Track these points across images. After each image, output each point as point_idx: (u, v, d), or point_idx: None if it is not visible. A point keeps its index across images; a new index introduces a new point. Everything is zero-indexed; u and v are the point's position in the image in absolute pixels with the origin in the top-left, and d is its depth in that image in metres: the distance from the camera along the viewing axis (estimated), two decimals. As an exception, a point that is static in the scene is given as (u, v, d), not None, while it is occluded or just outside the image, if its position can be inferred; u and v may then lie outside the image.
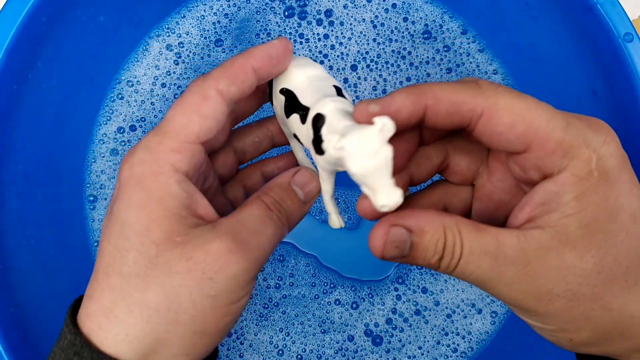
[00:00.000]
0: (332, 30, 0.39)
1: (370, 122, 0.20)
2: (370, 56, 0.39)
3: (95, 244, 0.39)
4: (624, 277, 0.21)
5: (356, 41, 0.39)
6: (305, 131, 0.24)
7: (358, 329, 0.39)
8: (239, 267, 0.22)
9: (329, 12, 0.39)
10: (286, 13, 0.39)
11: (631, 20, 0.31)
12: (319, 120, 0.22)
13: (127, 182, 0.22)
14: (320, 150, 0.22)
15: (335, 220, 0.26)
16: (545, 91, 0.38)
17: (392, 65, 0.39)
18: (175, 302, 0.22)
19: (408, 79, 0.39)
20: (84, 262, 0.38)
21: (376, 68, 0.39)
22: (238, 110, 0.28)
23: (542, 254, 0.20)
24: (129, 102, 0.39)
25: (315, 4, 0.39)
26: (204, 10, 0.39)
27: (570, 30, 0.34)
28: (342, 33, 0.39)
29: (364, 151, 0.20)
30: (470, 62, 0.39)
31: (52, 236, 0.36)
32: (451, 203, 0.26)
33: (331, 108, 0.22)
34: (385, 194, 0.20)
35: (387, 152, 0.20)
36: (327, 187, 0.25)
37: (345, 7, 0.39)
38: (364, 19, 0.39)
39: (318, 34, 0.39)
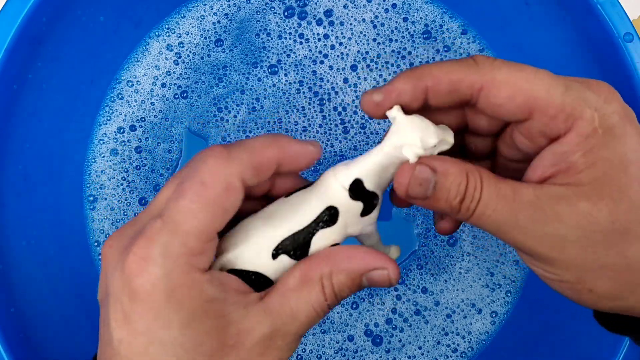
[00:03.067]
0: (332, 30, 0.39)
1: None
2: (370, 56, 0.39)
3: (96, 243, 0.39)
4: (638, 226, 0.21)
5: (356, 41, 0.39)
6: (353, 213, 0.23)
7: (358, 329, 0.39)
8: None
9: (329, 12, 0.39)
10: (286, 13, 0.39)
11: (631, 20, 0.31)
12: (359, 184, 0.22)
13: (150, 297, 0.20)
14: (373, 207, 0.23)
15: (395, 252, 0.26)
16: (545, 91, 0.38)
17: (392, 65, 0.39)
18: None
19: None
20: (83, 262, 0.38)
21: (376, 68, 0.39)
22: None
23: (556, 201, 0.21)
24: (129, 102, 0.39)
25: (315, 4, 0.39)
26: (204, 10, 0.39)
27: (570, 30, 0.34)
28: (342, 33, 0.39)
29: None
30: (470, 62, 0.39)
31: (52, 236, 0.36)
32: None
33: (342, 171, 0.22)
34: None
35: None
36: (378, 236, 0.25)
37: (345, 7, 0.39)
38: (364, 19, 0.39)
39: (318, 34, 0.39)
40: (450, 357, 0.39)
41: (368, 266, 0.23)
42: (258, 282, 0.22)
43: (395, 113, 0.22)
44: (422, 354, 0.39)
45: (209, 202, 0.20)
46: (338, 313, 0.38)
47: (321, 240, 0.22)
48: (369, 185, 0.22)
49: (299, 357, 0.38)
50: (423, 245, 0.39)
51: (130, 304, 0.20)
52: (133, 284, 0.20)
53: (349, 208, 0.22)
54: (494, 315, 0.39)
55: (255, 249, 0.22)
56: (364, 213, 0.23)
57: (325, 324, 0.38)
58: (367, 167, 0.22)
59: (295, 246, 0.22)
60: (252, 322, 0.21)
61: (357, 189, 0.22)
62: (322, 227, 0.22)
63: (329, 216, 0.22)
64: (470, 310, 0.39)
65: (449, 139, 0.23)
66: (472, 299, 0.39)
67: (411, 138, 0.21)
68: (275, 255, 0.22)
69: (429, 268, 0.39)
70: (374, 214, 0.23)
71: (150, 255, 0.20)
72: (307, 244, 0.22)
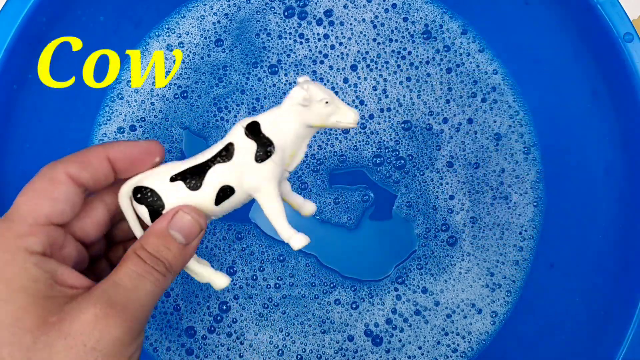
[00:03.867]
0: (332, 30, 0.39)
1: None
2: (370, 56, 0.39)
3: (95, 244, 0.39)
4: None
5: (356, 41, 0.39)
6: (248, 151, 0.24)
7: (358, 329, 0.39)
8: (120, 330, 0.22)
9: (329, 12, 0.39)
10: (286, 13, 0.39)
11: (631, 20, 0.31)
12: (256, 124, 0.24)
13: None
14: (268, 154, 0.24)
15: (303, 240, 0.25)
16: (545, 91, 0.38)
17: (392, 65, 0.39)
18: None
19: (408, 79, 0.39)
20: (84, 262, 0.38)
21: (376, 68, 0.39)
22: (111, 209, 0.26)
23: None
24: (129, 102, 0.39)
25: (315, 4, 0.39)
26: (204, 10, 0.39)
27: (570, 30, 0.34)
28: (342, 33, 0.39)
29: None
30: (470, 62, 0.39)
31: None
32: None
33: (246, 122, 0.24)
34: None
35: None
36: (280, 204, 0.25)
37: (345, 7, 0.39)
38: (364, 19, 0.39)
39: (318, 33, 0.39)
40: (450, 357, 0.39)
41: (165, 219, 0.24)
42: (152, 199, 0.24)
43: (302, 79, 0.24)
44: (422, 354, 0.39)
45: (34, 194, 0.23)
46: (338, 313, 0.39)
47: (216, 175, 0.24)
48: (265, 130, 0.24)
49: (299, 357, 0.38)
50: (423, 245, 0.39)
51: None
52: None
53: (244, 145, 0.24)
54: (494, 315, 0.39)
55: (161, 175, 0.25)
56: (258, 158, 0.24)
57: (325, 324, 0.38)
58: (266, 115, 0.24)
59: (192, 175, 0.24)
60: (77, 304, 0.22)
61: (252, 128, 0.24)
62: (219, 162, 0.24)
63: (226, 151, 0.24)
64: (470, 311, 0.39)
65: (349, 119, 0.24)
66: (472, 299, 0.39)
67: (299, 89, 0.24)
68: (173, 179, 0.24)
69: (429, 268, 0.39)
70: (269, 165, 0.24)
71: None
72: (202, 174, 0.24)
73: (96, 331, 0.21)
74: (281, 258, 0.39)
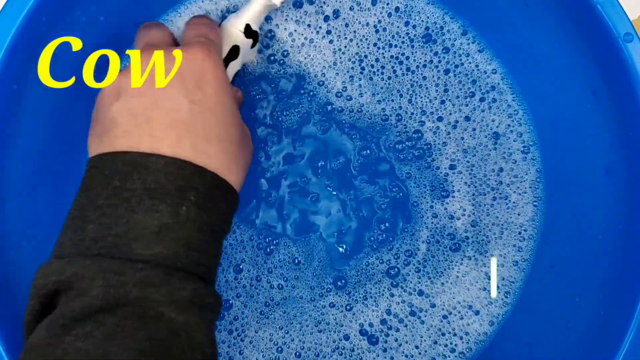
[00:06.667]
0: (333, 29, 0.39)
1: None
2: (368, 60, 0.39)
3: (96, 243, 0.39)
4: None
5: (357, 44, 0.39)
6: (247, 46, 0.35)
7: (353, 330, 0.39)
8: None
9: (334, 12, 0.39)
10: (285, 13, 0.39)
11: (631, 20, 0.31)
12: (249, 27, 0.35)
13: (217, 74, 0.30)
14: (257, 41, 0.36)
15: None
16: (545, 91, 0.38)
17: (389, 69, 0.39)
18: None
19: (404, 75, 0.39)
20: (84, 262, 0.38)
21: (373, 73, 0.39)
22: None
23: None
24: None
25: (317, 3, 0.39)
26: (204, 10, 0.39)
27: (570, 30, 0.34)
28: (344, 34, 0.39)
29: None
30: (470, 63, 0.39)
31: (52, 236, 0.36)
32: None
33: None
34: None
35: None
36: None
37: (351, 8, 0.39)
38: (367, 23, 0.39)
39: (319, 30, 0.39)
40: (449, 357, 0.39)
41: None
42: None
43: None
44: (420, 354, 0.39)
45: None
46: (332, 315, 0.39)
47: (230, 69, 0.35)
48: (254, 27, 0.34)
49: (298, 354, 0.38)
50: (427, 250, 0.39)
51: (201, 80, 0.29)
52: (205, 66, 0.29)
53: (245, 44, 0.34)
54: (493, 315, 0.39)
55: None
56: (253, 46, 0.35)
57: (321, 324, 0.39)
58: (251, 15, 0.34)
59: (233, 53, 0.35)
60: None
61: (248, 30, 0.34)
62: (231, 60, 0.34)
63: (235, 51, 0.34)
64: (467, 312, 0.39)
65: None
66: (472, 300, 0.39)
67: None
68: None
69: (427, 271, 0.39)
70: (257, 46, 0.36)
71: (211, 52, 0.30)
72: (235, 55, 0.35)
73: None
74: (296, 261, 0.39)
